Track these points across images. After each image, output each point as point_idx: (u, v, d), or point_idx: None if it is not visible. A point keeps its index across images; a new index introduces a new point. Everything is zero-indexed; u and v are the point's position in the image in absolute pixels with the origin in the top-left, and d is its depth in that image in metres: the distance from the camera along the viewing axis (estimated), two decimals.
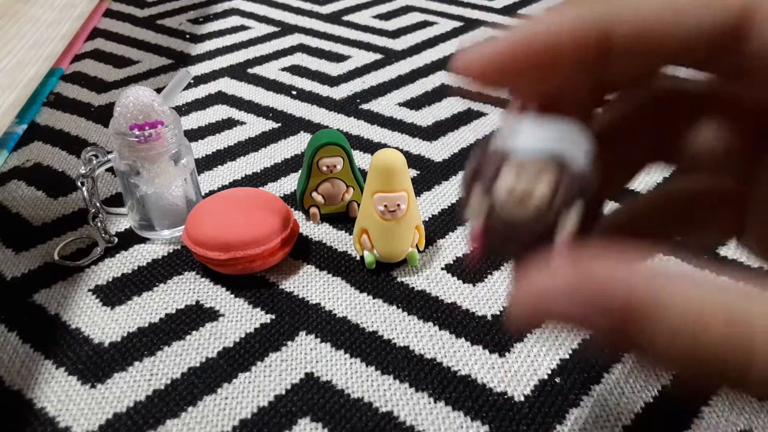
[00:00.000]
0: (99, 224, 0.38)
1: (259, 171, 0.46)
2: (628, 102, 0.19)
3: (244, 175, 0.46)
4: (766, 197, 0.18)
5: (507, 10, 0.77)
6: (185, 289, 0.36)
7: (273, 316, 0.34)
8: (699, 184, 0.21)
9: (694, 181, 0.21)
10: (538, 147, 0.14)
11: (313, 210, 0.41)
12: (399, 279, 0.36)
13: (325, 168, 0.39)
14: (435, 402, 0.29)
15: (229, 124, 0.53)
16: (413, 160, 0.48)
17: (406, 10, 0.77)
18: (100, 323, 0.33)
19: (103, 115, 0.53)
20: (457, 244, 0.39)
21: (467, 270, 0.37)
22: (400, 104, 0.56)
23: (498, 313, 0.34)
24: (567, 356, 0.31)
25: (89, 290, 0.36)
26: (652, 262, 0.14)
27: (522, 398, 0.29)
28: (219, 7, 0.77)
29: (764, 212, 0.18)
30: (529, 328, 0.14)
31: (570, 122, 0.15)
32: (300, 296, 0.35)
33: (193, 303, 0.35)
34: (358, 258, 0.38)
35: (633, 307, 0.13)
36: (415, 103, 0.56)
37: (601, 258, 0.14)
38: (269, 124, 0.53)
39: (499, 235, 0.15)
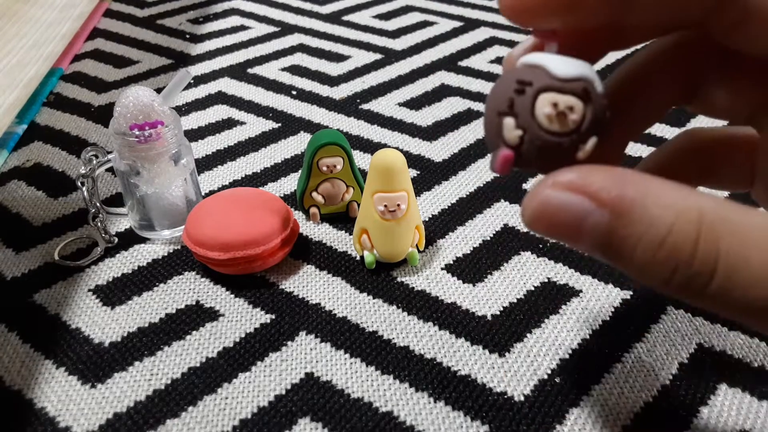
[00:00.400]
0: (99, 224, 0.38)
1: (259, 171, 0.46)
2: (654, 46, 0.20)
3: (244, 175, 0.46)
4: None
5: None
6: (185, 289, 0.36)
7: (273, 316, 0.34)
8: (716, 132, 0.21)
9: (712, 128, 0.21)
10: (573, 71, 0.16)
11: (313, 210, 0.41)
12: (399, 279, 0.36)
13: (325, 168, 0.39)
14: (435, 402, 0.29)
15: (229, 124, 0.53)
16: (413, 160, 0.48)
17: (406, 10, 0.77)
18: (101, 323, 0.33)
19: (103, 115, 0.54)
20: (457, 244, 0.39)
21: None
22: (400, 104, 0.56)
23: (498, 312, 0.34)
24: (567, 356, 0.31)
25: (89, 290, 0.36)
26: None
27: (522, 398, 0.29)
28: (219, 7, 0.77)
29: None
30: (534, 227, 0.16)
31: (588, 64, 0.16)
32: (300, 296, 0.35)
33: (193, 303, 0.35)
34: (358, 258, 0.38)
35: (621, 200, 0.14)
36: (415, 103, 0.56)
37: (599, 169, 0.15)
38: (269, 124, 0.53)
39: (534, 149, 0.16)
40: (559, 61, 0.16)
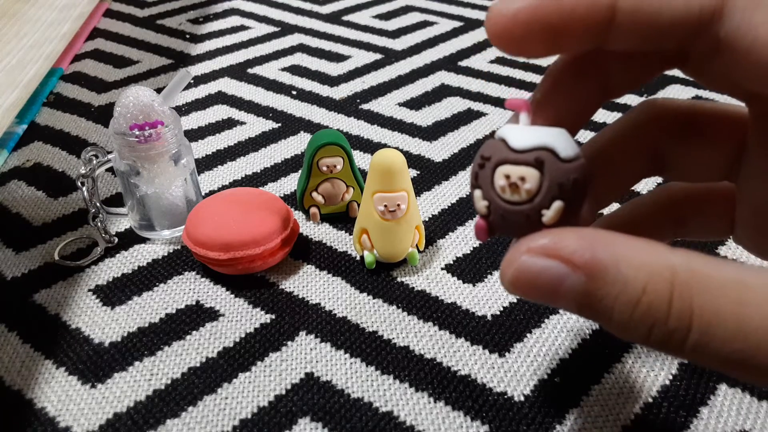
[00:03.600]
0: (99, 224, 0.38)
1: (259, 171, 0.46)
2: (616, 126, 0.20)
3: (244, 175, 0.46)
4: (751, 195, 0.19)
5: None
6: (185, 289, 0.36)
7: (273, 316, 0.34)
8: (691, 186, 0.22)
9: (687, 184, 0.22)
10: (531, 141, 0.17)
11: (313, 210, 0.41)
12: (399, 279, 0.36)
13: (325, 168, 0.39)
14: (435, 402, 0.29)
15: (229, 124, 0.53)
16: (413, 160, 0.48)
17: (406, 10, 0.77)
18: (101, 323, 0.33)
19: (103, 115, 0.54)
20: (457, 244, 0.39)
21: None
22: (400, 104, 0.56)
23: (498, 312, 0.34)
24: (567, 356, 0.31)
25: (89, 290, 0.36)
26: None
27: (522, 398, 0.29)
28: (219, 7, 0.77)
29: (751, 208, 0.19)
30: (513, 291, 0.16)
31: (558, 128, 0.17)
32: (300, 296, 0.35)
33: (193, 303, 0.35)
34: (358, 258, 0.38)
35: (594, 263, 0.15)
36: (415, 103, 0.56)
37: (570, 233, 0.16)
38: (269, 124, 0.53)
39: (497, 217, 0.17)
40: (519, 133, 0.17)
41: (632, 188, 0.25)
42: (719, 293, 0.14)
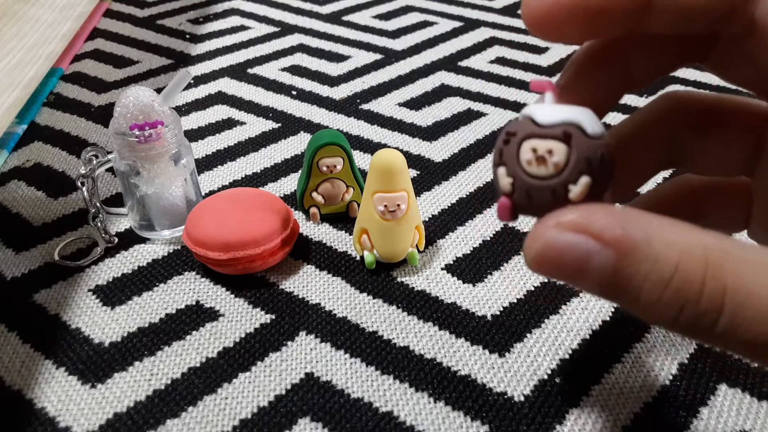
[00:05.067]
0: (99, 224, 0.38)
1: (259, 171, 0.46)
2: (643, 112, 0.20)
3: (244, 175, 0.46)
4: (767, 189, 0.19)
5: (507, 10, 0.77)
6: (185, 289, 0.36)
7: (273, 316, 0.34)
8: (709, 178, 0.22)
9: (704, 177, 0.22)
10: (558, 116, 0.16)
11: (313, 210, 0.41)
12: (399, 279, 0.36)
13: (325, 168, 0.39)
14: (435, 402, 0.29)
15: (229, 124, 0.53)
16: (413, 160, 0.48)
17: (406, 10, 0.77)
18: (100, 323, 0.33)
19: (103, 115, 0.54)
20: (457, 244, 0.39)
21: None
22: (400, 104, 0.56)
23: (498, 312, 0.34)
24: (567, 356, 0.31)
25: (89, 290, 0.36)
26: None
27: (522, 398, 0.29)
28: (219, 7, 0.77)
29: (767, 203, 0.19)
30: (538, 269, 0.16)
31: (584, 108, 0.17)
32: (300, 296, 0.35)
33: (193, 303, 0.35)
34: (358, 258, 0.38)
35: (625, 239, 0.14)
36: (415, 103, 0.56)
37: (601, 208, 0.15)
38: (269, 124, 0.53)
39: (523, 194, 0.17)
40: (545, 110, 0.17)
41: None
42: (752, 275, 0.14)
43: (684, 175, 0.23)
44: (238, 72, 0.61)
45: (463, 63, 0.64)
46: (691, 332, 0.14)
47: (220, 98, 0.57)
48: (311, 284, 0.36)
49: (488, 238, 0.40)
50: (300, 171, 0.44)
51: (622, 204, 0.23)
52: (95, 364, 0.31)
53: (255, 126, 0.52)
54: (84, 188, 0.37)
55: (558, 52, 0.65)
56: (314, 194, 0.40)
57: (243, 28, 0.72)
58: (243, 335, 0.33)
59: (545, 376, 0.30)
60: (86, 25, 0.70)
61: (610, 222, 0.15)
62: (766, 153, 0.19)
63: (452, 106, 0.56)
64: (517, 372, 0.31)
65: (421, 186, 0.45)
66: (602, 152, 0.16)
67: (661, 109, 0.21)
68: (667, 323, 0.15)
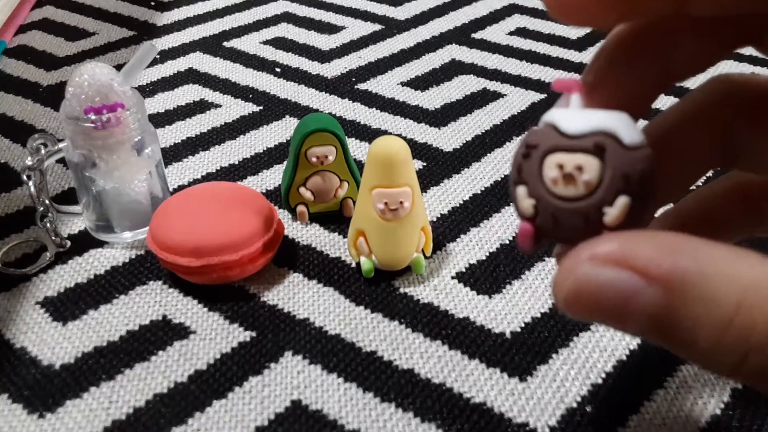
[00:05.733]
0: (48, 225, 0.38)
1: (237, 162, 0.46)
2: (689, 102, 0.20)
3: (219, 168, 0.46)
4: None
5: None
6: (150, 302, 0.36)
7: (253, 334, 0.34)
8: (764, 178, 0.21)
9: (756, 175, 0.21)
10: (588, 124, 0.16)
11: (301, 208, 0.41)
12: (402, 290, 0.36)
13: (314, 159, 0.39)
14: None
15: (201, 107, 0.53)
16: (419, 149, 0.48)
17: None
18: (50, 342, 0.33)
19: (53, 97, 0.53)
20: (470, 248, 0.39)
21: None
22: (403, 83, 0.56)
23: (518, 329, 0.34)
24: (600, 380, 0.31)
25: (37, 303, 0.36)
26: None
27: (547, 430, 0.29)
28: None
29: None
30: (571, 311, 0.16)
31: (617, 111, 0.16)
32: (285, 310, 0.35)
33: (160, 318, 0.35)
34: (353, 265, 0.38)
35: (676, 274, 0.14)
36: (420, 83, 0.56)
37: (646, 237, 0.15)
38: (249, 107, 0.52)
39: (548, 218, 0.17)
40: (572, 116, 0.16)
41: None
42: None
43: (734, 173, 0.23)
44: (212, 45, 0.61)
45: (478, 35, 0.64)
46: (756, 382, 0.14)
47: (191, 76, 0.57)
48: (298, 296, 0.36)
49: (507, 242, 0.40)
50: (285, 162, 0.44)
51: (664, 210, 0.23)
52: (44, 389, 0.31)
53: (232, 109, 0.52)
54: (31, 183, 0.37)
55: None
56: (302, 190, 0.40)
57: None
58: (218, 356, 0.33)
59: (574, 404, 0.30)
60: None
61: (656, 253, 0.14)
62: None
63: (465, 85, 0.56)
64: (541, 399, 0.31)
65: (428, 180, 0.45)
66: (642, 166, 0.16)
67: (710, 97, 0.20)
68: (727, 372, 0.14)
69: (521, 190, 0.17)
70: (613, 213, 0.16)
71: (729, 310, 0.14)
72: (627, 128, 0.16)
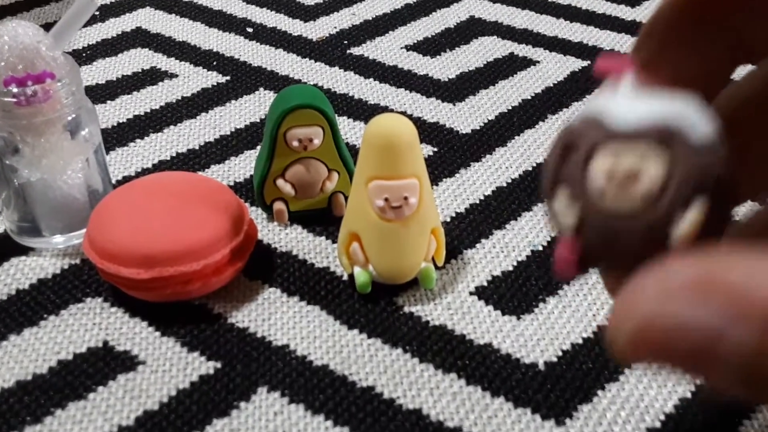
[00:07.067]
0: None
1: (197, 147, 0.46)
2: (762, 74, 0.20)
3: (175, 153, 0.46)
4: None
5: None
6: (88, 324, 0.36)
7: (218, 365, 0.34)
8: None
9: None
10: (644, 115, 0.16)
11: (279, 206, 0.41)
12: (406, 309, 0.36)
13: (296, 143, 0.39)
14: None
15: (152, 76, 0.53)
16: (428, 130, 0.48)
17: None
18: None
19: None
20: (492, 257, 0.39)
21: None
22: (409, 47, 0.56)
23: (554, 359, 0.34)
24: (657, 424, 0.31)
25: None
26: None
27: None
28: None
29: None
30: (636, 357, 0.15)
31: (684, 95, 0.16)
32: (259, 335, 0.35)
33: (100, 345, 0.35)
34: (345, 277, 0.38)
35: None
36: (430, 46, 0.56)
37: (736, 256, 0.14)
38: (212, 78, 0.52)
39: (597, 236, 0.16)
40: (623, 106, 0.16)
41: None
42: None
43: None
44: None
45: None
46: None
47: (140, 38, 0.57)
48: (275, 317, 0.36)
49: (540, 248, 0.40)
50: (259, 148, 0.44)
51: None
52: None
53: (191, 80, 0.52)
54: None
55: None
56: (280, 182, 0.40)
57: None
58: (174, 393, 0.33)
59: None
60: None
61: (753, 276, 0.14)
62: None
63: (486, 50, 0.55)
64: None
65: (440, 170, 0.45)
66: (718, 167, 0.15)
67: None
68: None
69: (560, 200, 0.17)
70: (684, 229, 0.15)
71: None
72: (695, 118, 0.16)
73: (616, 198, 0.16)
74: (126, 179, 0.44)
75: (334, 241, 0.40)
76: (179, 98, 0.51)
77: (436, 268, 0.38)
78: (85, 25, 0.38)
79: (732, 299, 0.14)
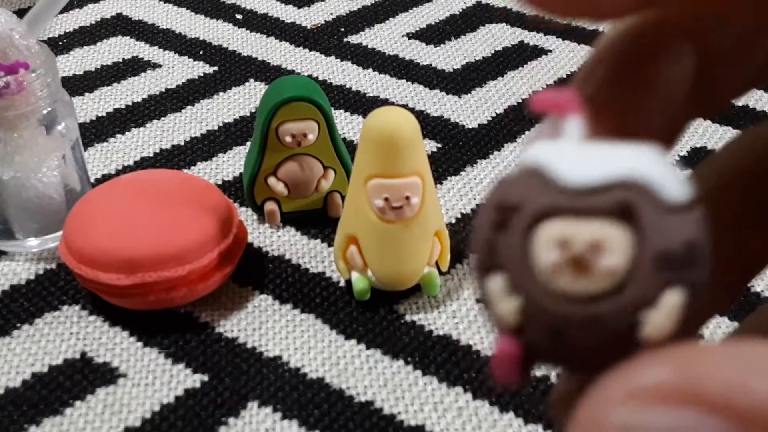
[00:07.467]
0: None
1: (182, 143, 0.46)
2: (746, 142, 0.19)
3: (158, 150, 0.46)
4: None
5: None
6: (64, 334, 0.36)
7: (205, 378, 0.34)
8: None
9: None
10: (600, 169, 0.13)
11: (271, 206, 0.41)
12: (408, 317, 0.36)
13: (289, 138, 0.39)
14: None
15: (133, 67, 0.53)
16: (432, 125, 0.48)
17: None
18: None
19: None
20: None
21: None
22: (410, 35, 0.56)
23: None
24: None
25: None
26: None
27: None
28: None
29: None
30: None
31: (643, 145, 0.14)
32: (249, 345, 0.35)
33: (77, 356, 0.35)
34: (342, 283, 0.38)
35: (759, 406, 0.13)
36: (434, 34, 0.56)
37: (721, 352, 0.13)
38: (199, 68, 0.52)
39: (546, 330, 0.14)
40: (574, 156, 0.14)
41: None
42: None
43: None
44: None
45: None
46: None
47: (120, 25, 0.57)
48: (267, 326, 0.36)
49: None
50: (249, 144, 0.44)
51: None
52: None
53: (176, 70, 0.52)
54: None
55: None
56: (272, 181, 0.40)
57: None
58: (157, 408, 0.33)
59: None
60: None
61: (739, 377, 0.13)
62: None
63: (494, 38, 0.55)
64: None
65: (444, 167, 0.45)
66: (694, 236, 0.13)
67: None
68: None
69: (495, 284, 0.14)
70: (658, 319, 0.13)
71: None
72: (665, 174, 0.14)
73: (570, 279, 0.13)
74: (105, 177, 0.44)
75: (330, 245, 0.40)
76: (163, 90, 0.51)
77: (440, 273, 0.38)
78: (61, 12, 0.37)
79: (718, 407, 0.13)
